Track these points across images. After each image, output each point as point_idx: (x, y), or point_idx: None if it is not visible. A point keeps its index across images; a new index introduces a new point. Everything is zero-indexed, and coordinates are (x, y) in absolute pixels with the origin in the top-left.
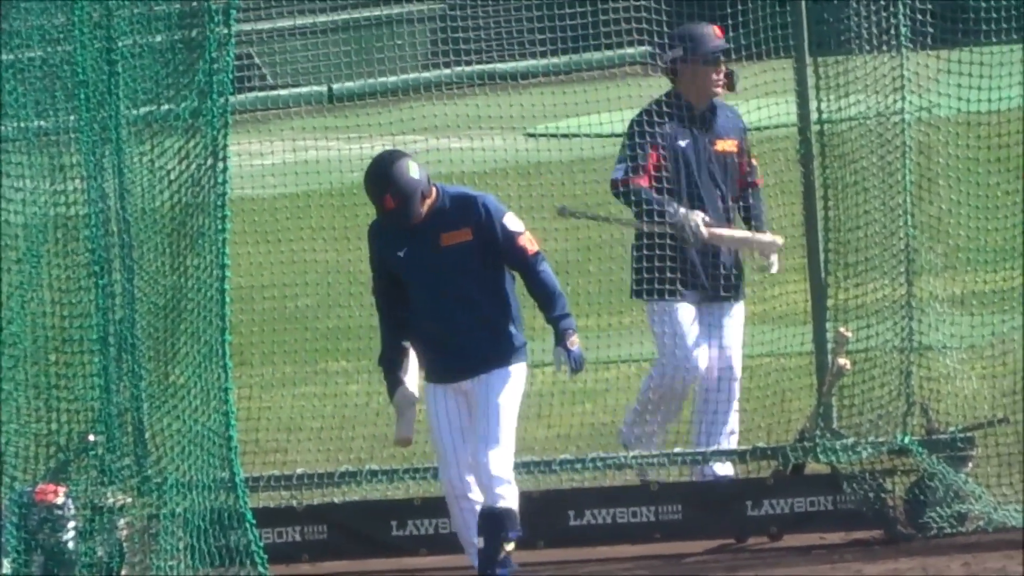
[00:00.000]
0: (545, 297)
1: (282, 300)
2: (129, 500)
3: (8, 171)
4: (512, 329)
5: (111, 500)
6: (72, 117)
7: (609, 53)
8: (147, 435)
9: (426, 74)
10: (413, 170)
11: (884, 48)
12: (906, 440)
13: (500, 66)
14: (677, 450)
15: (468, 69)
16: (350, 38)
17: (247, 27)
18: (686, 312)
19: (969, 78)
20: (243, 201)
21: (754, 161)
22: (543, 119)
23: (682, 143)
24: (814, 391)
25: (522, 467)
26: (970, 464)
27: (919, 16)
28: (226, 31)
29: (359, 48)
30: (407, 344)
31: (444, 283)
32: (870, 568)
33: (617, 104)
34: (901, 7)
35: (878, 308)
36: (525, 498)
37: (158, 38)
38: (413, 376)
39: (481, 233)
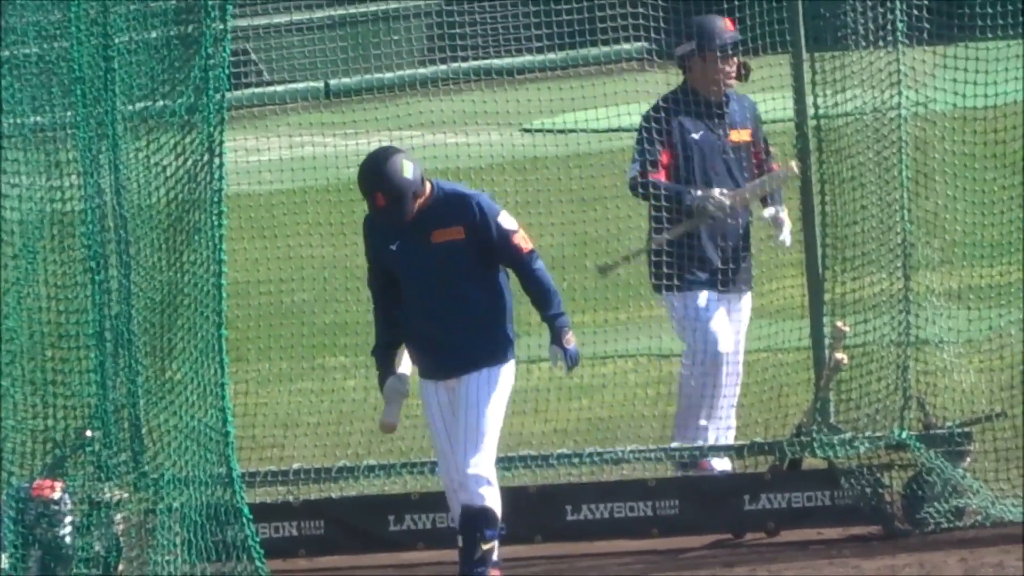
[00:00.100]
0: (540, 295)
1: (278, 296)
2: (126, 495)
3: (4, 167)
4: (503, 327)
5: (108, 495)
6: (68, 113)
7: (606, 49)
8: (144, 431)
9: (423, 70)
10: (406, 169)
11: (880, 43)
12: (903, 435)
13: (496, 62)
14: (674, 445)
15: (464, 65)
16: (346, 34)
17: (243, 23)
18: (706, 299)
19: (965, 73)
20: (239, 197)
21: (772, 149)
22: (539, 115)
23: (695, 135)
24: (811, 386)
25: (519, 462)
26: (968, 459)
27: (915, 11)
28: (222, 27)
29: (355, 44)
30: (400, 335)
31: (434, 280)
32: (867, 563)
33: (613, 100)
34: (897, 2)
35: (875, 303)
36: (522, 493)
37: (154, 34)
38: (406, 366)
39: (475, 233)
